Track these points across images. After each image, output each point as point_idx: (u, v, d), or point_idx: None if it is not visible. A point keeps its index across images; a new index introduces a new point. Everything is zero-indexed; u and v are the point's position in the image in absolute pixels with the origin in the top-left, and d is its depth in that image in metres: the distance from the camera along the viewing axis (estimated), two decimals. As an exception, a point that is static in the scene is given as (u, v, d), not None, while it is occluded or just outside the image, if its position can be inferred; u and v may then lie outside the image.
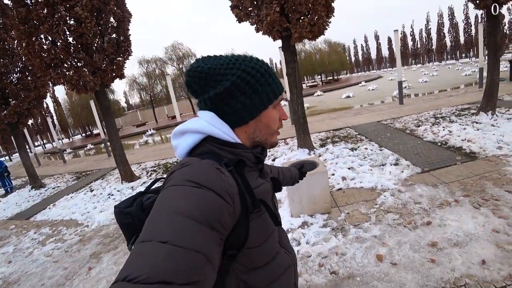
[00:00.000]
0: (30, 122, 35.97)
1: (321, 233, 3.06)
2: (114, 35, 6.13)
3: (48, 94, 6.43)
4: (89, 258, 3.72)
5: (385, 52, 77.22)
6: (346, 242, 2.82)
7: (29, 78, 8.26)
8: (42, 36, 5.33)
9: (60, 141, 42.27)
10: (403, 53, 71.65)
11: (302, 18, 4.65)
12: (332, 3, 4.86)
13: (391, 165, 4.47)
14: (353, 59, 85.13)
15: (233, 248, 0.61)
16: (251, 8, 5.03)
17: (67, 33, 5.39)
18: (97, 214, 5.24)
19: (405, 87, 17.25)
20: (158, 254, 0.43)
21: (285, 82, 7.18)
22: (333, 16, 4.97)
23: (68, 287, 3.18)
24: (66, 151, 23.53)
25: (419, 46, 68.74)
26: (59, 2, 5.11)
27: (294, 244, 2.95)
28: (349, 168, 4.57)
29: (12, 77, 8.19)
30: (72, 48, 5.46)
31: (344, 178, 4.24)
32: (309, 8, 4.61)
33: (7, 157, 34.62)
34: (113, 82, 6.58)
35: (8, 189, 10.13)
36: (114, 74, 6.28)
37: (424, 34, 65.23)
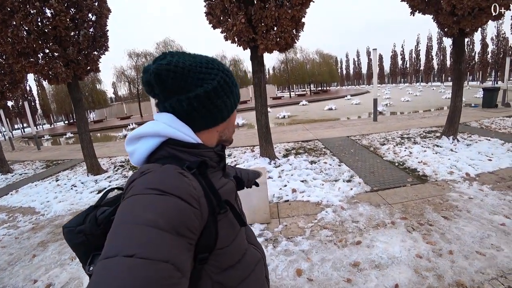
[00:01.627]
0: (10, 104, 34.60)
1: (254, 245, 3.02)
2: (91, 30, 6.15)
3: (33, 77, 6.41)
4: (36, 246, 3.70)
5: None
6: (274, 254, 2.80)
7: (3, 62, 8.08)
8: (15, 24, 5.26)
9: (37, 127, 40.95)
10: (393, 71, 74.00)
11: (268, 30, 4.68)
12: (302, 19, 4.92)
13: (343, 181, 4.51)
14: (344, 72, 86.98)
15: (204, 251, 0.60)
16: (221, 17, 5.02)
17: (40, 24, 5.38)
18: (56, 204, 5.17)
19: (386, 105, 17.75)
20: (124, 270, 0.41)
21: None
22: (302, 31, 5.06)
23: (9, 272, 3.18)
24: (44, 137, 22.70)
25: (408, 65, 71.05)
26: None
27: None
28: (302, 181, 4.58)
29: None
30: (45, 39, 5.46)
31: (294, 190, 4.24)
32: (275, 22, 4.65)
33: None
34: (87, 75, 6.62)
35: None
36: (88, 68, 6.31)
37: (413, 55, 67.49)
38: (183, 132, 0.64)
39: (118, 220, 0.50)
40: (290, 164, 5.42)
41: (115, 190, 0.64)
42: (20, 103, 37.13)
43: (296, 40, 5.01)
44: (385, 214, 3.39)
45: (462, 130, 7.35)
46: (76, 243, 0.65)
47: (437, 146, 6.12)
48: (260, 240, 3.07)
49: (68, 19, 5.46)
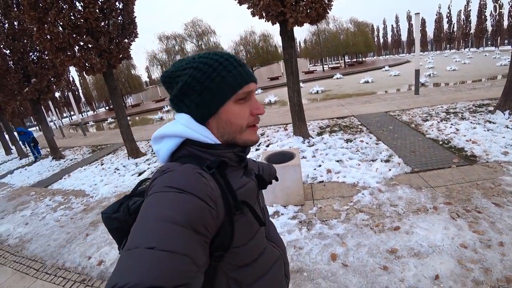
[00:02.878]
0: (57, 95, 37.54)
1: (287, 225, 3.05)
2: (119, 18, 6.24)
3: (74, 69, 6.93)
4: (88, 226, 4.09)
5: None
6: (308, 237, 2.79)
7: (46, 57, 8.58)
8: (50, 20, 5.51)
9: (82, 114, 44.06)
10: (437, 37, 66.68)
11: (298, 1, 4.33)
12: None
13: (381, 161, 4.28)
14: (381, 40, 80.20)
15: (219, 249, 0.61)
16: None
17: (73, 18, 5.57)
18: (102, 187, 5.62)
19: (430, 75, 16.22)
20: (145, 260, 0.44)
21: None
22: (336, -2, 4.61)
23: (67, 249, 3.58)
24: (88, 123, 24.46)
25: (455, 29, 63.33)
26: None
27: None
28: (337, 161, 4.44)
29: (32, 56, 8.64)
30: (78, 32, 5.67)
31: (329, 171, 4.13)
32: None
33: (37, 127, 36.44)
34: (120, 63, 6.85)
35: (35, 157, 10.76)
36: (120, 56, 6.49)
37: (462, 16, 59.71)
38: (200, 133, 0.66)
39: (140, 216, 0.52)
40: (325, 143, 5.26)
41: (148, 181, 0.65)
42: (66, 93, 39.89)
43: (328, 10, 4.62)
44: (427, 198, 3.18)
45: (521, 104, 6.49)
46: (112, 228, 0.69)
47: (490, 122, 5.50)
48: (293, 222, 3.08)
49: (97, 10, 5.59)
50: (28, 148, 11.31)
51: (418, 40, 8.89)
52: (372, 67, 29.45)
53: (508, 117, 5.56)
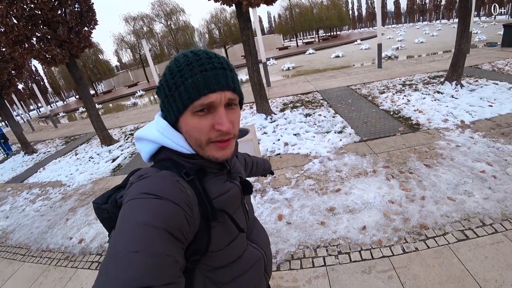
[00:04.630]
0: (21, 87, 34.59)
1: (243, 195, 3.31)
2: (76, 6, 6.02)
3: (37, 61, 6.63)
4: (68, 212, 4.24)
5: (390, 7, 72.73)
6: (260, 202, 3.09)
7: (3, 49, 8.03)
8: (2, 13, 5.19)
9: (50, 105, 41.29)
10: (410, 9, 67.78)
11: None
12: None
13: (335, 132, 4.62)
14: (356, 13, 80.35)
15: (196, 254, 0.62)
16: None
17: (26, 8, 5.31)
18: (78, 176, 5.70)
19: (397, 48, 16.76)
20: (131, 263, 0.44)
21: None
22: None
23: (50, 233, 3.75)
24: (58, 115, 23.21)
25: (427, 1, 64.66)
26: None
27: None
28: (295, 134, 4.72)
29: None
30: (34, 24, 5.46)
31: (286, 144, 4.41)
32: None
33: (3, 123, 33.93)
34: (82, 52, 6.64)
35: (6, 154, 10.31)
36: (82, 45, 6.33)
37: (434, -12, 61.03)
38: (174, 141, 0.65)
39: (120, 223, 0.52)
40: (285, 119, 5.52)
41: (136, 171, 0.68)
42: (30, 85, 37.19)
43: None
44: (369, 163, 3.55)
45: (470, 74, 7.05)
46: (102, 218, 0.68)
47: (438, 92, 5.97)
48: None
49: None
50: None
51: (379, 12, 9.14)
52: (345, 41, 29.77)
53: (455, 88, 6.05)
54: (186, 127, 0.64)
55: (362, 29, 75.61)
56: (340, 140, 4.28)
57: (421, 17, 68.09)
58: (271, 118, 5.68)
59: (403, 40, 22.38)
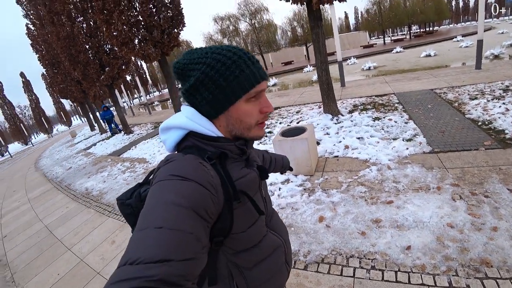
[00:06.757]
0: (128, 78, 41.48)
1: (292, 190, 3.30)
2: (169, 12, 6.79)
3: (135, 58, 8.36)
4: None
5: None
6: (306, 201, 3.02)
7: (116, 49, 9.93)
8: (114, 21, 6.40)
9: (149, 95, 47.94)
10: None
11: None
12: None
13: (403, 140, 4.06)
14: (460, 4, 66.35)
15: (219, 235, 0.63)
16: None
17: (131, 17, 6.38)
18: (158, 155, 6.73)
19: (511, 44, 13.27)
20: (155, 238, 0.46)
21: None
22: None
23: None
24: (154, 103, 26.78)
25: None
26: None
27: (269, 194, 3.30)
28: (358, 138, 4.36)
29: (106, 48, 10.21)
30: (136, 28, 6.52)
31: (346, 147, 4.13)
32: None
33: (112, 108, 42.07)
34: (172, 51, 7.51)
35: (118, 130, 12.97)
36: (171, 45, 7.16)
37: None
38: (202, 125, 0.66)
39: (148, 201, 0.54)
40: (352, 121, 5.12)
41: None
42: (135, 77, 43.65)
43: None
44: (434, 178, 3.02)
45: None
46: (126, 213, 0.70)
47: (555, 102, 4.55)
48: (299, 189, 3.31)
49: (150, 6, 6.26)
50: (106, 125, 13.50)
51: (482, 4, 7.37)
52: (441, 38, 25.09)
53: None
54: (239, 114, 0.66)
55: (468, 23, 62.20)
56: (407, 148, 3.75)
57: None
58: (337, 119, 5.36)
59: (522, 34, 17.54)
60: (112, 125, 13.13)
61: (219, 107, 0.65)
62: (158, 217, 0.49)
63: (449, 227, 2.29)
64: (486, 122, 4.25)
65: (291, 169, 1.36)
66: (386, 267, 2.01)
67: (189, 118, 0.66)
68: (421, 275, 1.90)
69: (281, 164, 1.26)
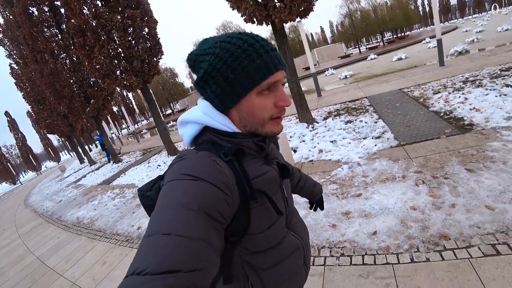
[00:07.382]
0: (115, 109, 41.88)
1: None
2: (147, 42, 7.15)
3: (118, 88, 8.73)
4: (135, 207, 5.13)
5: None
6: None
7: (99, 82, 10.29)
8: (95, 55, 6.73)
9: (137, 124, 48.17)
10: (497, -5, 55.58)
11: (278, 4, 4.53)
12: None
13: (372, 138, 4.28)
14: (427, 8, 70.32)
15: (235, 235, 0.60)
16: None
17: (111, 50, 6.68)
18: (147, 180, 6.84)
19: (473, 40, 14.12)
20: (162, 246, 0.43)
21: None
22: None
23: (120, 222, 4.64)
24: (142, 132, 27.30)
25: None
26: (101, 29, 6.40)
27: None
28: (331, 141, 4.56)
29: (90, 81, 10.55)
30: (116, 60, 6.83)
31: (320, 151, 4.31)
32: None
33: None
34: (152, 78, 7.76)
35: (108, 159, 13.09)
36: (152, 73, 7.46)
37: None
38: (218, 121, 0.62)
39: (158, 203, 0.50)
40: (325, 127, 5.36)
41: None
42: (121, 107, 44.27)
43: (312, 7, 4.69)
44: (400, 168, 3.21)
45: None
46: (146, 205, 0.66)
47: (508, 86, 4.86)
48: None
49: (128, 39, 6.57)
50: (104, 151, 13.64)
51: (436, 8, 7.97)
52: (412, 41, 26.45)
53: (531, 79, 4.85)
54: (250, 108, 0.60)
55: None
56: (375, 145, 3.96)
57: (506, 1, 55.11)
58: (312, 127, 5.60)
59: (483, 30, 18.65)
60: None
61: (228, 101, 0.60)
62: (166, 222, 0.46)
63: (412, 209, 2.44)
64: (448, 112, 4.52)
65: (322, 207, 1.20)
66: (354, 252, 2.13)
67: (203, 113, 0.63)
68: (385, 256, 2.03)
69: (312, 190, 1.13)
